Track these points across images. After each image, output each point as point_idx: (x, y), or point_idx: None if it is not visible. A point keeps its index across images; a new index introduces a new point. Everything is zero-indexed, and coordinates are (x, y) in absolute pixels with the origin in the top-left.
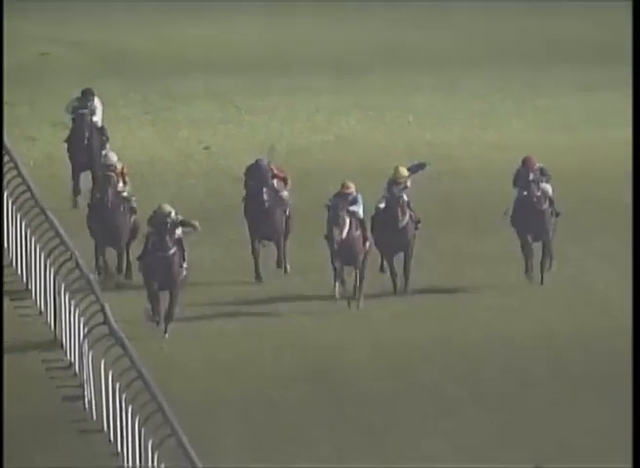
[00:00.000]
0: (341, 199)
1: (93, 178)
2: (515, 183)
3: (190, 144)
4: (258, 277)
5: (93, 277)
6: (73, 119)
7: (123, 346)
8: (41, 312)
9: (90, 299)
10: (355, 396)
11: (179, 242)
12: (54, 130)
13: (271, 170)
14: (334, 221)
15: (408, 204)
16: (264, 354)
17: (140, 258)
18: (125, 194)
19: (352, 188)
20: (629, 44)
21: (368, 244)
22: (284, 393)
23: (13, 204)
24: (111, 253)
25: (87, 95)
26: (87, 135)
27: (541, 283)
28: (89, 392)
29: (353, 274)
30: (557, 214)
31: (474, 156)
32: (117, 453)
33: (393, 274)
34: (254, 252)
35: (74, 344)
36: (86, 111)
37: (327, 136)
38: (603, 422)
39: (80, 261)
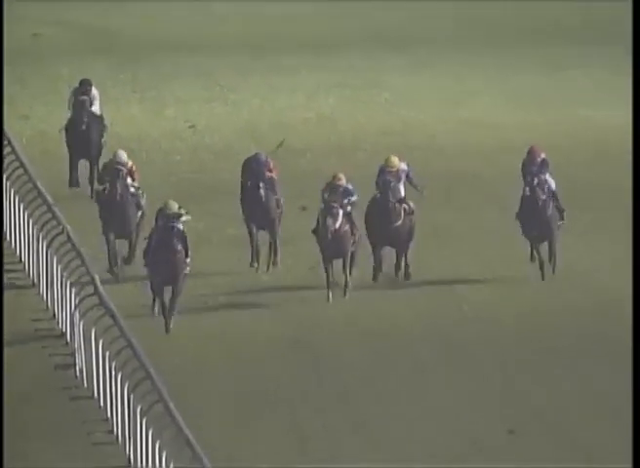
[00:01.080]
0: (334, 191)
1: (90, 168)
2: (525, 174)
3: (176, 122)
4: (253, 264)
5: (83, 250)
6: (73, 106)
7: (112, 316)
8: (34, 284)
9: (80, 271)
10: (332, 362)
11: (182, 237)
12: (45, 108)
13: (267, 164)
14: (328, 212)
15: (404, 199)
16: (248, 323)
17: (145, 255)
18: (133, 189)
19: (343, 179)
20: (599, 25)
21: (357, 235)
22: (267, 361)
23: (7, 180)
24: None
25: (85, 85)
26: (85, 120)
27: (542, 278)
28: (80, 360)
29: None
30: (562, 211)
31: (448, 132)
32: (107, 419)
33: (377, 265)
34: (252, 240)
35: (66, 314)
36: (86, 97)
37: (306, 114)
38: (576, 391)
39: (71, 235)
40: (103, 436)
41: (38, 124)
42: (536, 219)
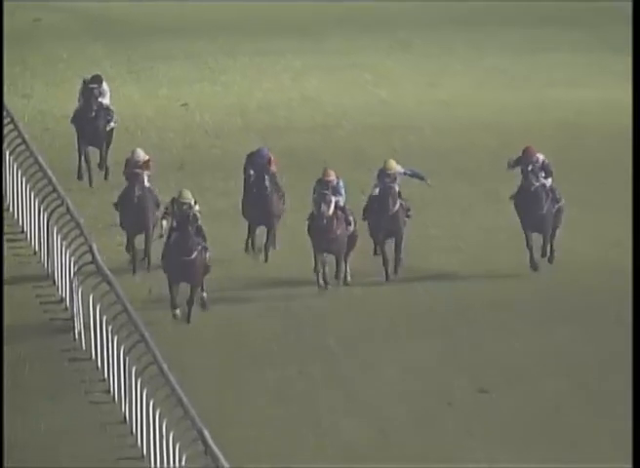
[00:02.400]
0: (323, 187)
1: (100, 155)
2: (512, 165)
3: (169, 101)
4: (248, 250)
5: (82, 221)
6: (82, 95)
7: (109, 283)
8: (35, 252)
9: (79, 241)
10: (316, 329)
11: (201, 232)
12: (46, 88)
13: (269, 158)
14: (321, 199)
15: (399, 194)
16: (237, 290)
17: (163, 257)
18: (149, 185)
19: (333, 175)
20: (571, 8)
21: (351, 228)
22: (252, 324)
23: (10, 155)
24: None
25: (95, 80)
26: (95, 108)
27: (535, 269)
28: (78, 324)
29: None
30: (559, 201)
31: (426, 113)
32: (104, 379)
33: (385, 261)
34: (251, 233)
35: (65, 281)
36: (95, 86)
37: (292, 95)
38: (543, 351)
39: (70, 206)
40: (101, 395)
41: (39, 103)
42: (532, 212)
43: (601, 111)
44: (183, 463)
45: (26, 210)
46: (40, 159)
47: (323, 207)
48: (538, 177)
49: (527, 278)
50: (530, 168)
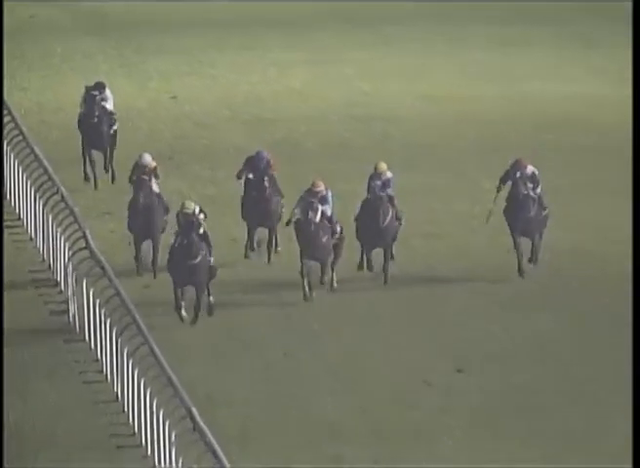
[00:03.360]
0: (312, 196)
1: (104, 158)
2: (503, 180)
3: (159, 94)
4: (247, 254)
5: (76, 208)
6: (85, 100)
7: (102, 267)
8: (31, 238)
9: (73, 227)
10: (302, 314)
11: (205, 238)
12: (42, 81)
13: (268, 161)
14: (309, 207)
15: (391, 200)
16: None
17: (168, 262)
18: (157, 190)
19: (322, 186)
20: (548, 4)
21: (337, 237)
22: (241, 307)
23: (7, 145)
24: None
25: (99, 87)
26: (97, 113)
27: (521, 275)
28: (73, 307)
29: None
30: (545, 208)
31: (408, 105)
32: (97, 359)
33: (369, 261)
34: (250, 236)
35: (60, 265)
36: (97, 92)
37: (278, 88)
38: (519, 334)
39: (65, 195)
40: (94, 375)
41: (35, 95)
42: (520, 217)
43: (577, 104)
44: (173, 439)
45: (23, 197)
46: (36, 149)
47: (310, 214)
48: (526, 185)
49: (507, 265)
50: (518, 175)
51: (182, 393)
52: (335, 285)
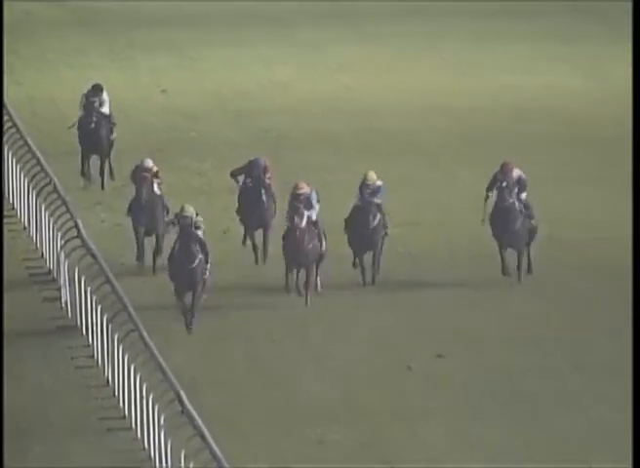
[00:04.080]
0: (296, 200)
1: (101, 162)
2: (490, 188)
3: (150, 87)
4: (257, 261)
5: (68, 199)
6: (83, 107)
7: (93, 256)
8: (25, 227)
9: (66, 217)
10: (285, 299)
11: (202, 244)
12: (36, 75)
13: (265, 167)
14: (295, 212)
15: (379, 207)
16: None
17: (169, 260)
18: (158, 192)
19: (305, 188)
20: (522, 1)
21: (323, 248)
22: (227, 300)
23: (1, 138)
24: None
25: (96, 90)
26: (94, 120)
27: (519, 280)
28: (65, 294)
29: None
30: (532, 218)
31: (388, 98)
32: (88, 345)
33: (362, 269)
34: (252, 240)
35: (53, 254)
36: (95, 99)
37: (264, 81)
38: (499, 318)
39: (58, 185)
40: (85, 360)
41: (29, 89)
42: (505, 229)
43: (551, 96)
44: (162, 422)
45: (16, 188)
46: (29, 141)
47: (296, 219)
48: (512, 195)
49: (484, 253)
50: (504, 184)
51: (171, 377)
52: (319, 288)
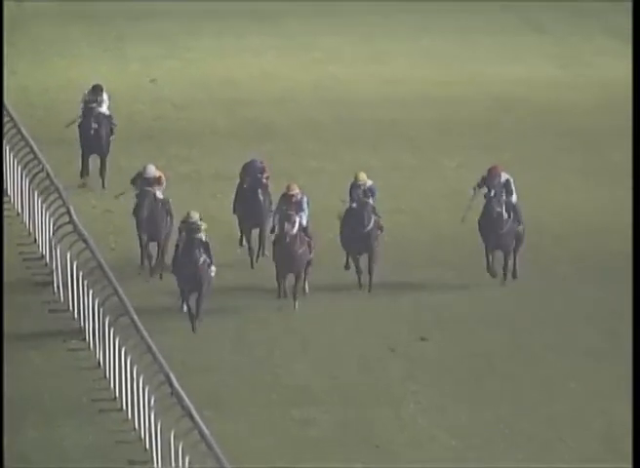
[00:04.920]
0: (287, 204)
1: (101, 162)
2: (479, 185)
3: (139, 77)
4: (253, 264)
5: (61, 185)
6: (82, 110)
7: (85, 241)
8: (18, 213)
9: (58, 203)
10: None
11: (206, 247)
12: (29, 65)
13: (262, 168)
14: (285, 218)
15: (374, 209)
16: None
17: (173, 264)
18: (162, 196)
19: (297, 190)
20: None
21: (311, 255)
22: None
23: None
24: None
25: (96, 90)
26: (94, 125)
27: (494, 276)
28: (57, 278)
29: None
30: (520, 222)
31: (372, 87)
32: (80, 328)
33: (358, 271)
34: (248, 242)
35: (45, 239)
36: (94, 104)
37: (252, 71)
38: (477, 302)
39: (50, 172)
40: (77, 343)
41: (23, 79)
42: (493, 233)
43: (529, 86)
44: (152, 404)
45: (10, 175)
46: (23, 130)
47: (287, 226)
48: (499, 201)
49: (466, 237)
50: (492, 193)
51: (161, 359)
52: (307, 291)
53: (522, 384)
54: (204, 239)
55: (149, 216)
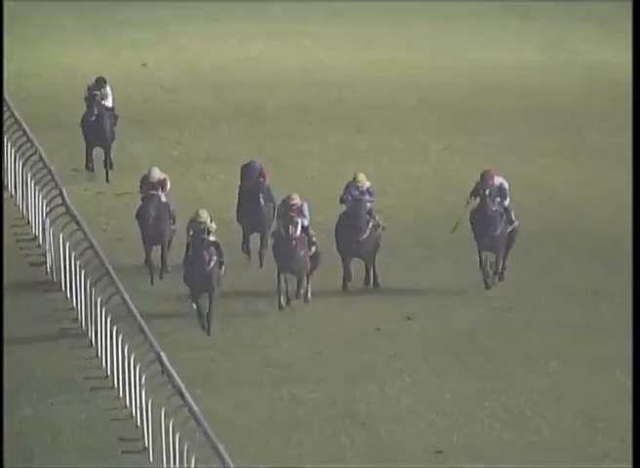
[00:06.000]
0: (289, 210)
1: (105, 154)
2: (473, 194)
3: (131, 62)
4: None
5: (53, 168)
6: (86, 99)
7: (77, 222)
8: (12, 195)
9: (51, 185)
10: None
11: (216, 246)
12: (23, 50)
13: (262, 169)
14: (288, 221)
15: (370, 211)
16: None
17: (183, 264)
18: (165, 200)
19: (297, 199)
20: None
21: (313, 249)
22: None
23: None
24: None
25: (100, 82)
26: (96, 113)
27: (486, 288)
28: (50, 259)
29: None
30: (513, 223)
31: (358, 72)
32: (72, 308)
33: (346, 276)
34: (246, 245)
35: (38, 221)
36: (98, 93)
37: (240, 56)
38: (461, 282)
39: (43, 155)
40: (70, 322)
41: (16, 63)
42: (486, 233)
43: (513, 71)
44: (143, 382)
45: (4, 158)
46: (16, 113)
47: (291, 229)
48: (494, 201)
49: (448, 217)
50: (487, 192)
51: (152, 338)
52: (309, 296)
53: (504, 361)
54: (213, 239)
55: (154, 221)
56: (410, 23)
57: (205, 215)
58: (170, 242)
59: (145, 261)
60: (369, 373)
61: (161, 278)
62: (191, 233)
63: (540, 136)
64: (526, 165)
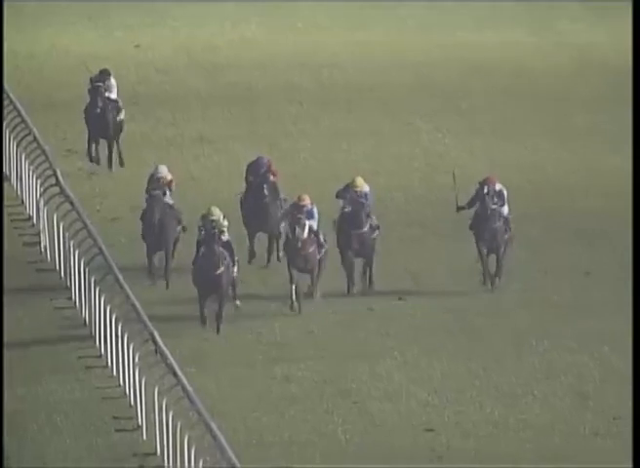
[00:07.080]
0: (298, 211)
1: (108, 146)
2: (470, 204)
3: (124, 43)
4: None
5: (48, 148)
6: (89, 91)
7: (71, 203)
8: (7, 177)
9: (45, 166)
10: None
11: (228, 246)
12: (17, 33)
13: (269, 166)
14: (296, 223)
15: (368, 213)
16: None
17: (193, 264)
18: (171, 202)
19: (307, 200)
20: None
21: (323, 251)
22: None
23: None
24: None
25: (104, 74)
26: (100, 104)
27: (492, 290)
28: (44, 239)
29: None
30: (509, 231)
31: (349, 53)
32: (67, 287)
33: (349, 276)
34: (251, 245)
35: (33, 201)
36: (101, 84)
37: (233, 37)
38: (451, 261)
39: (37, 135)
40: (64, 302)
41: (11, 44)
42: (486, 233)
43: (502, 52)
44: (137, 361)
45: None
46: (11, 95)
47: (298, 230)
48: (493, 200)
49: (438, 197)
50: (486, 191)
51: (145, 317)
52: (318, 295)
53: (494, 340)
54: (225, 238)
55: (159, 224)
56: (400, 5)
57: (217, 213)
58: (175, 245)
59: (148, 271)
60: (361, 352)
61: (167, 287)
62: (203, 232)
63: (530, 116)
64: (516, 145)
